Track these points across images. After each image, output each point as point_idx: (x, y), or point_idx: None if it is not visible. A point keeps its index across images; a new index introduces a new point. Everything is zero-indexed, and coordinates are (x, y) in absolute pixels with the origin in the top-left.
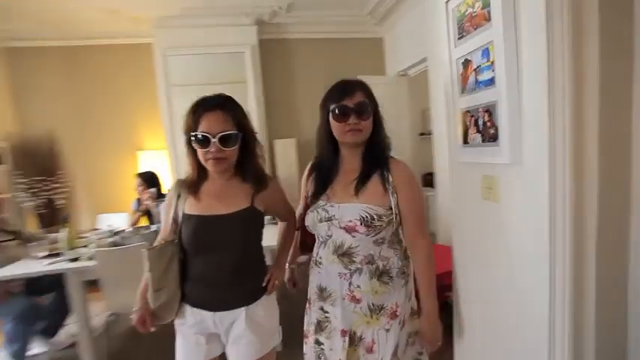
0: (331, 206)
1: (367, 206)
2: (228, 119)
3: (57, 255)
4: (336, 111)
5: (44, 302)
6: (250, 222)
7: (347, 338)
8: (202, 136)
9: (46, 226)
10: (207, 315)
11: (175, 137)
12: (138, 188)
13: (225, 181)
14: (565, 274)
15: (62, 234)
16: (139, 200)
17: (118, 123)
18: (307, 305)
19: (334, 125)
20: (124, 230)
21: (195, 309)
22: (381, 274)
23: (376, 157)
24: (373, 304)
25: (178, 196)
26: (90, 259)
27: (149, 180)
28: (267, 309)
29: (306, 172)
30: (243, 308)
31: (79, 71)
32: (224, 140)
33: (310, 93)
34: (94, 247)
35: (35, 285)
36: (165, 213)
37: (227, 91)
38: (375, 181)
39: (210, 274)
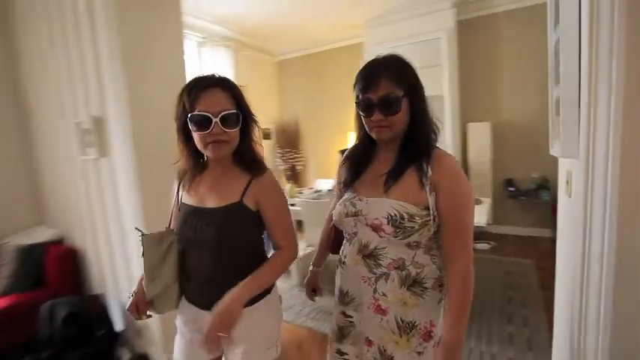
0: (359, 200)
1: (398, 203)
2: (229, 98)
3: None
4: (361, 104)
5: None
6: (238, 219)
7: (374, 349)
8: (202, 116)
9: (289, 181)
10: (200, 313)
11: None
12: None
13: (218, 169)
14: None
15: (287, 187)
16: None
17: (336, 111)
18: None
19: (362, 118)
20: (321, 190)
21: (190, 305)
22: (413, 283)
23: (415, 149)
24: (402, 320)
25: (179, 183)
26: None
27: None
28: (265, 315)
29: (340, 163)
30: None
31: (313, 72)
32: (226, 120)
33: (516, 70)
34: (302, 198)
35: None
36: (174, 200)
37: (421, 75)
38: (410, 175)
39: (196, 270)
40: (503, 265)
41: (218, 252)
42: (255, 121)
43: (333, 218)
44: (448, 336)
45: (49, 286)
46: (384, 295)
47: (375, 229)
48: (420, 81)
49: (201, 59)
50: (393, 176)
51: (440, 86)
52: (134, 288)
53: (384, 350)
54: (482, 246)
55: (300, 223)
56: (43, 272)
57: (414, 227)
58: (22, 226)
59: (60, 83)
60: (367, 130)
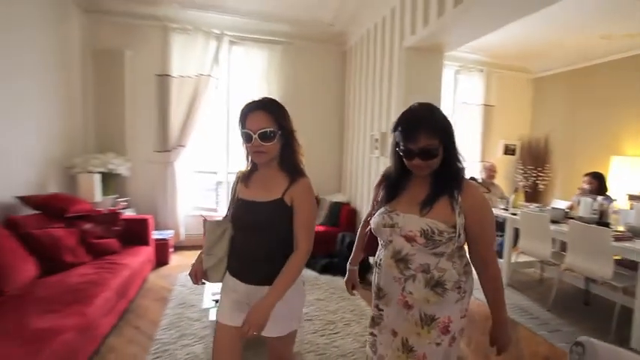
0: (396, 214)
1: (430, 221)
2: (269, 118)
3: (505, 209)
4: (402, 151)
5: None
6: (279, 212)
7: (397, 340)
8: (246, 132)
9: (527, 200)
10: (240, 285)
11: None
12: (584, 185)
13: (268, 172)
14: None
15: (511, 197)
16: (582, 190)
17: (598, 130)
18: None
19: (404, 159)
20: (546, 207)
21: (233, 277)
22: (436, 285)
23: (448, 180)
24: (425, 314)
25: (237, 183)
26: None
27: (597, 178)
28: (290, 293)
29: (380, 178)
30: (265, 287)
31: (574, 88)
32: (263, 136)
33: None
34: (522, 209)
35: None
36: (231, 195)
37: None
38: (443, 201)
39: (244, 250)
40: None
41: (263, 235)
42: (294, 136)
43: (372, 227)
44: (499, 315)
45: (341, 225)
46: (410, 293)
47: (408, 239)
48: (451, 125)
49: (456, 84)
50: (429, 204)
51: None
52: (194, 260)
53: (407, 341)
54: None
55: (516, 231)
56: (339, 217)
57: (441, 241)
58: (331, 191)
59: (364, 108)
60: (407, 165)
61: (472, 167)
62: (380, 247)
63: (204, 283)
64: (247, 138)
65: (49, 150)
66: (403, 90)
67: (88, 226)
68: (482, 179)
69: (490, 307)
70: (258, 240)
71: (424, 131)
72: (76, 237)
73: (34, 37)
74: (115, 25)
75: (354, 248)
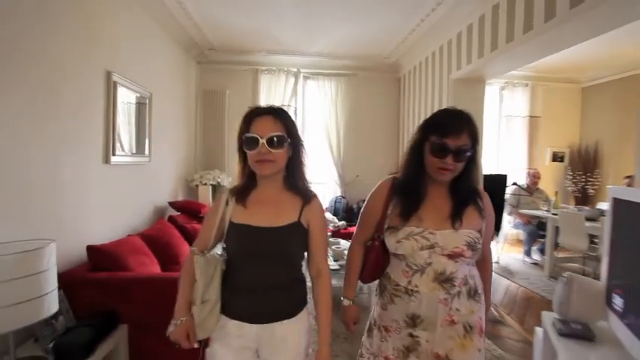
0: (430, 233)
1: (467, 231)
2: (278, 124)
3: (547, 211)
4: (436, 146)
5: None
6: (297, 236)
7: None
8: (251, 137)
9: (577, 203)
10: (248, 327)
11: None
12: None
13: (271, 189)
14: None
15: (552, 200)
16: None
17: None
18: (373, 333)
19: (428, 157)
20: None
21: (236, 321)
22: (474, 293)
23: (472, 190)
24: (469, 326)
25: (226, 204)
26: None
27: (631, 177)
28: (301, 328)
29: (383, 191)
30: (278, 323)
31: (623, 97)
32: (272, 142)
33: None
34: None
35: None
36: (208, 220)
37: None
38: (471, 210)
39: (255, 284)
40: None
41: (280, 263)
42: (303, 147)
43: (401, 252)
44: (489, 300)
45: None
46: (457, 310)
47: (454, 256)
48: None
49: (502, 99)
50: (459, 215)
51: None
52: (180, 318)
53: (449, 357)
54: None
55: (556, 229)
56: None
57: (479, 247)
58: None
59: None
60: (430, 168)
61: (518, 174)
62: (405, 272)
63: (200, 343)
64: (252, 144)
65: (177, 168)
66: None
67: None
68: (527, 185)
69: (485, 293)
70: (274, 270)
71: (467, 129)
72: None
73: (173, 87)
74: (219, 71)
75: (346, 277)
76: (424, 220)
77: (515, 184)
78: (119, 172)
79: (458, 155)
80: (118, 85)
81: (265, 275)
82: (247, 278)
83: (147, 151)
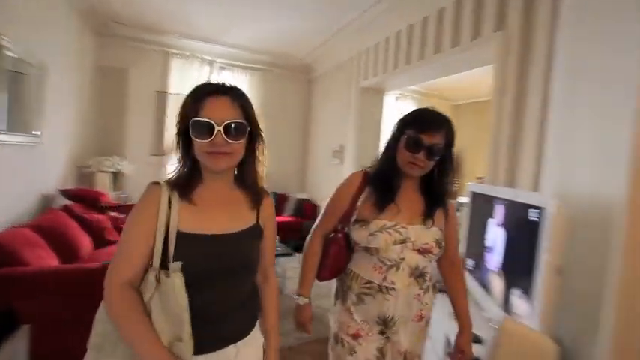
0: (403, 228)
1: (437, 230)
2: (237, 108)
3: None
4: (411, 141)
5: None
6: (257, 241)
7: (403, 356)
8: (204, 122)
9: None
10: (210, 357)
11: None
12: None
13: (221, 186)
14: None
15: None
16: None
17: None
18: (338, 348)
19: (401, 150)
20: None
21: (197, 356)
22: (434, 286)
23: (444, 191)
24: (428, 317)
25: (168, 205)
26: None
27: None
28: (256, 344)
29: (355, 182)
30: (232, 346)
31: (479, 117)
32: (230, 131)
33: None
34: None
35: None
36: (136, 227)
37: None
38: (439, 211)
39: (216, 306)
40: None
41: (243, 274)
42: (262, 138)
43: (375, 246)
44: (469, 319)
45: (305, 217)
46: (426, 304)
47: (424, 252)
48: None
49: (399, 109)
50: (431, 214)
51: None
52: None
53: (409, 352)
54: None
55: None
56: (303, 211)
57: (443, 246)
58: (296, 190)
59: (324, 125)
60: (401, 162)
61: None
62: (379, 269)
63: None
64: (203, 131)
65: (69, 152)
66: (356, 114)
67: (114, 214)
68: None
69: (461, 312)
70: (236, 286)
71: (444, 130)
72: (110, 221)
73: (67, 58)
74: (123, 48)
75: (302, 272)
76: (398, 216)
77: None
78: None
79: (430, 153)
80: None
81: (227, 294)
82: (207, 301)
83: (32, 130)
